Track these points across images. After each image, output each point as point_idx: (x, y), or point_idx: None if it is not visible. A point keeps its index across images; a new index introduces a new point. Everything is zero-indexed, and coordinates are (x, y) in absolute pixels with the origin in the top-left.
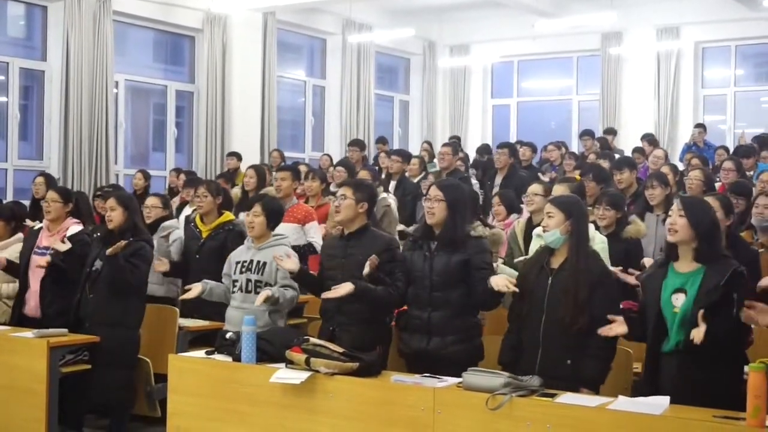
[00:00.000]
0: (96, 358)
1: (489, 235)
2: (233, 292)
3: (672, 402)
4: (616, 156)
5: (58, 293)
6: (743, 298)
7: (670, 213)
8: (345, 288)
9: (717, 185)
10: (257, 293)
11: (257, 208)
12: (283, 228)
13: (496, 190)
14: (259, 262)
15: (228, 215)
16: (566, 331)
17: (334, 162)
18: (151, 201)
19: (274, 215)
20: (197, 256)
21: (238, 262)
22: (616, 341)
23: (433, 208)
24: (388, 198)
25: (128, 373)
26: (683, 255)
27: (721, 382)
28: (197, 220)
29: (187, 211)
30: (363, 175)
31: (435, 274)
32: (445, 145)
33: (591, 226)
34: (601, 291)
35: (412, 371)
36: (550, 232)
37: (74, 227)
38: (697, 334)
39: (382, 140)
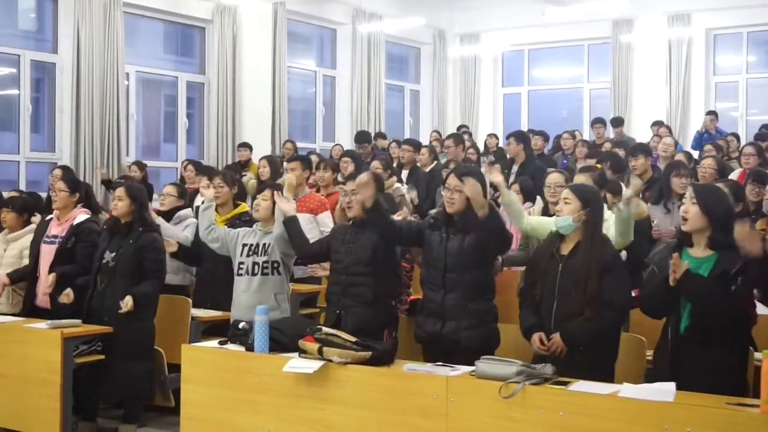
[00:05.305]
0: (114, 350)
1: None
2: (239, 274)
3: (684, 384)
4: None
5: (66, 280)
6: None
7: (683, 200)
8: None
9: (737, 171)
10: (264, 275)
11: (266, 192)
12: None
13: (512, 178)
14: (265, 245)
15: (243, 206)
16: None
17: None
18: (167, 189)
19: None
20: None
21: (245, 245)
22: (612, 314)
23: (453, 199)
24: (402, 188)
25: (147, 365)
26: (697, 242)
27: (727, 365)
28: None
29: (199, 200)
30: (375, 165)
31: (449, 255)
32: (448, 137)
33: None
34: (611, 275)
35: (428, 356)
36: (563, 217)
37: (81, 216)
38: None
39: (381, 135)
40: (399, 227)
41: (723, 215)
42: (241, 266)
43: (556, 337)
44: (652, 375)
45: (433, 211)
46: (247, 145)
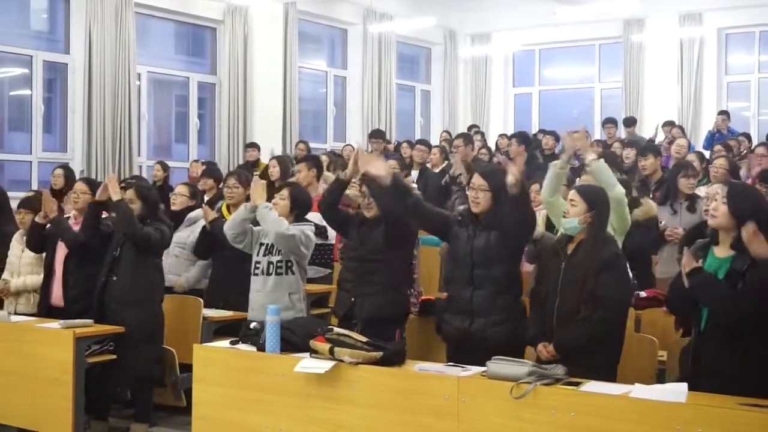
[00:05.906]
0: (124, 337)
1: None
2: (255, 274)
3: (705, 384)
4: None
5: (81, 277)
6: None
7: (714, 197)
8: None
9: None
10: (278, 274)
11: (285, 192)
12: (309, 216)
13: None
14: None
15: None
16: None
17: None
18: (179, 189)
19: (299, 203)
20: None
21: (261, 244)
22: (606, 313)
23: (478, 198)
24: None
25: (157, 348)
26: (722, 240)
27: (748, 365)
28: (224, 210)
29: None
30: (391, 164)
31: (476, 252)
32: (457, 137)
33: None
34: (609, 273)
35: (455, 354)
36: (568, 219)
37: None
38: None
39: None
40: (425, 208)
41: (750, 217)
42: (257, 265)
43: (550, 347)
44: (681, 377)
45: (460, 208)
46: (255, 145)
